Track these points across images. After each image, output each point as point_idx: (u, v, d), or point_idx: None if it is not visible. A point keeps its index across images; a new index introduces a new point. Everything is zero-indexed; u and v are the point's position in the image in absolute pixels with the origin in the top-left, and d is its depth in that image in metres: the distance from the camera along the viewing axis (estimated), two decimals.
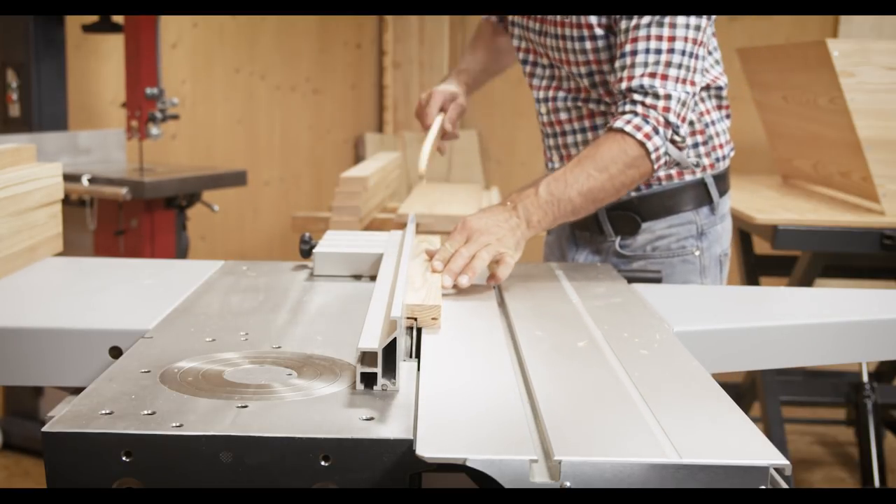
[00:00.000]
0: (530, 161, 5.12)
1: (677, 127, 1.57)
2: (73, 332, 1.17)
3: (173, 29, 3.99)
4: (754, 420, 1.25)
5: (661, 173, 1.75)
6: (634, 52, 1.57)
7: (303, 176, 4.84)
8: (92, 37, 3.57)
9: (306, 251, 1.58)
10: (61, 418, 0.86)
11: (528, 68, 1.86)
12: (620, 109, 1.59)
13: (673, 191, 1.76)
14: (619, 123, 1.56)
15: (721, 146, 1.80)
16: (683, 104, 1.57)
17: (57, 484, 0.84)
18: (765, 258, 3.49)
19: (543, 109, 1.85)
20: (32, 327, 1.18)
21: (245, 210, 4.46)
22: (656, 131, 1.55)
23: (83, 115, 3.67)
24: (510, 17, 1.86)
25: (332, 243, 1.61)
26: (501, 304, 1.40)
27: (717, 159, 1.79)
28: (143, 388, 0.95)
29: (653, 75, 1.56)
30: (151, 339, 1.14)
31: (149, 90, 3.17)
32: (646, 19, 1.56)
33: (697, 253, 1.78)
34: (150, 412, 0.88)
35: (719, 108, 1.80)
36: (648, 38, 1.56)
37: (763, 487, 0.81)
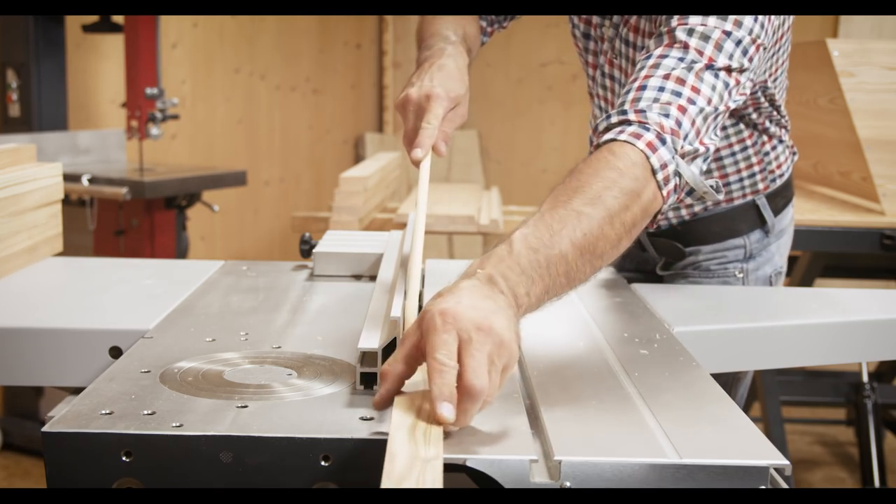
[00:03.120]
0: (530, 161, 5.12)
1: (687, 134, 1.15)
2: (73, 332, 1.17)
3: (173, 29, 3.99)
4: (754, 420, 1.25)
5: (682, 208, 1.47)
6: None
7: (303, 176, 4.84)
8: (92, 37, 3.57)
9: (306, 251, 1.58)
10: (61, 418, 0.86)
11: (590, 70, 1.61)
12: (605, 124, 1.18)
13: (720, 216, 1.55)
14: (609, 136, 1.14)
15: (779, 166, 1.59)
16: (701, 111, 1.18)
17: (57, 484, 0.84)
18: None
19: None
20: (32, 327, 1.18)
21: (245, 210, 4.46)
22: (661, 140, 1.12)
23: (83, 115, 3.67)
24: (594, 20, 1.54)
25: (332, 243, 1.61)
26: None
27: (773, 180, 1.59)
28: (143, 388, 0.95)
29: (681, 81, 1.18)
30: (151, 339, 1.14)
31: (149, 90, 3.17)
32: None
33: (740, 275, 1.61)
34: (150, 412, 0.88)
35: (779, 126, 1.57)
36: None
37: (763, 487, 0.81)
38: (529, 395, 1.01)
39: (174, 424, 0.85)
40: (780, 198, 1.61)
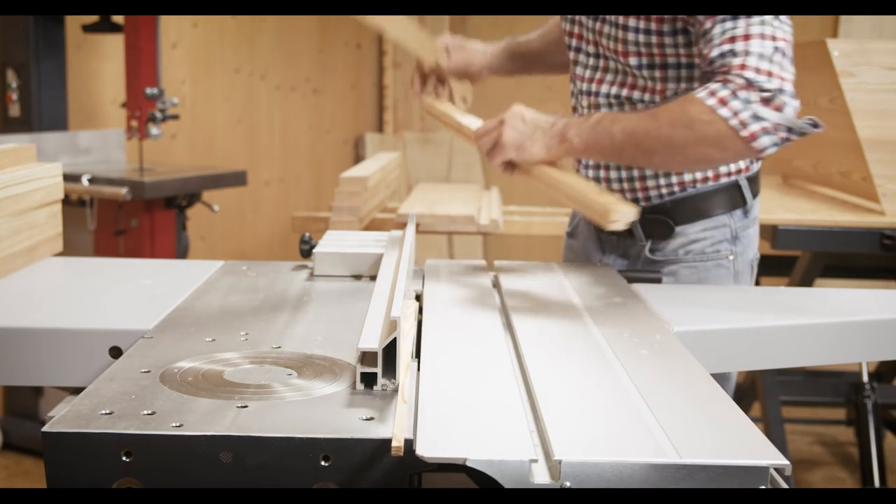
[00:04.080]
0: None
1: (761, 83, 1.40)
2: (73, 332, 1.17)
3: (173, 29, 3.99)
4: (754, 420, 1.25)
5: (722, 168, 1.67)
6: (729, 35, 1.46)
7: (303, 176, 4.84)
8: (92, 37, 3.57)
9: (306, 251, 1.58)
10: (61, 418, 0.86)
11: (572, 54, 1.76)
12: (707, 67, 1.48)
13: (706, 194, 1.69)
14: (697, 93, 1.44)
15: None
16: (761, 56, 1.41)
17: (57, 484, 0.84)
18: (765, 258, 3.47)
19: (585, 102, 1.74)
20: (32, 327, 1.18)
21: (245, 210, 4.47)
22: (734, 95, 1.40)
23: (83, 115, 3.67)
24: None
25: (332, 243, 1.61)
26: (501, 303, 1.40)
27: (752, 161, 1.71)
28: (143, 388, 0.95)
29: (732, 40, 1.44)
30: (151, 339, 1.14)
31: (149, 90, 3.17)
32: (755, 19, 1.45)
33: (731, 257, 1.71)
34: (150, 412, 0.88)
35: None
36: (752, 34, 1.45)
37: (763, 487, 0.81)
38: (529, 395, 1.01)
39: (174, 424, 0.85)
40: (755, 183, 1.74)
